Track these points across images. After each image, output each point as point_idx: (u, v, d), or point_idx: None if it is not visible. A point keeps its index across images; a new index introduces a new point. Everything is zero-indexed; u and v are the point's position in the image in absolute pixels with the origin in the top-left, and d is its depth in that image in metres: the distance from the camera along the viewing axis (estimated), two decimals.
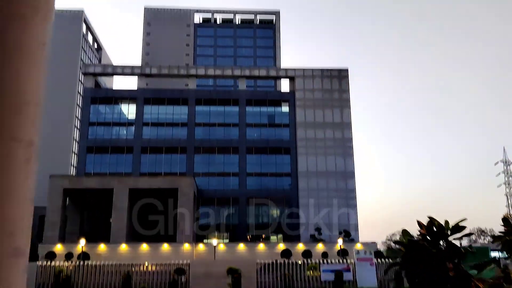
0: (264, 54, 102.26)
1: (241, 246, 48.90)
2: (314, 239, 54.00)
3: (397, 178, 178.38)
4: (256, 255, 44.21)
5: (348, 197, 60.12)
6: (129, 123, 61.38)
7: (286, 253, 44.97)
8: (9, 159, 3.10)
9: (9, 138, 3.13)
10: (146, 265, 32.14)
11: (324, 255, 45.47)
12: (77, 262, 31.76)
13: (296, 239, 54.82)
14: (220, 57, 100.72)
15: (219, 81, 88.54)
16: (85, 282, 30.17)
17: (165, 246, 45.07)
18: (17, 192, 3.16)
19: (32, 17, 3.39)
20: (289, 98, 63.32)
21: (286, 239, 55.65)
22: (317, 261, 33.46)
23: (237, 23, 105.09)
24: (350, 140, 62.15)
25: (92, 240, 46.67)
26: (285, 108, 63.56)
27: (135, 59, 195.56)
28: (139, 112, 61.12)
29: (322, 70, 64.65)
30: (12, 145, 3.14)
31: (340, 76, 64.50)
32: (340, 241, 43.24)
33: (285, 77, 65.12)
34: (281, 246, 48.48)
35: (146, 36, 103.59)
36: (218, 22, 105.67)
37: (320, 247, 49.14)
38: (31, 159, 3.35)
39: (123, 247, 44.71)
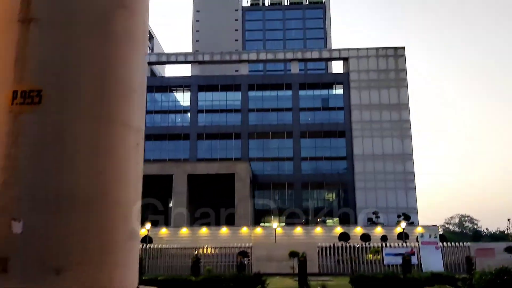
0: (314, 36, 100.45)
1: (298, 230, 48.94)
2: (372, 223, 53.21)
3: (454, 160, 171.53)
4: (313, 239, 44.19)
5: (407, 180, 58.55)
6: (184, 110, 62.71)
7: (344, 237, 44.61)
8: (122, 145, 3.15)
9: (121, 125, 3.18)
10: (208, 248, 32.88)
11: (383, 238, 44.69)
12: (143, 245, 33.01)
13: (353, 222, 54.27)
14: (269, 40, 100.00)
15: (269, 65, 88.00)
16: (153, 264, 31.35)
17: (224, 230, 45.90)
18: (130, 176, 3.21)
19: (135, 6, 3.41)
20: (343, 79, 62.05)
21: (342, 223, 55.19)
22: (380, 245, 32.93)
23: (285, 4, 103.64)
24: (408, 121, 60.21)
25: (153, 224, 48.36)
26: (339, 90, 62.42)
27: (185, 47, 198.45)
28: (193, 99, 62.20)
29: (377, 49, 62.74)
30: (124, 131, 3.19)
31: (396, 55, 62.32)
32: (403, 224, 42.29)
33: (339, 58, 63.82)
34: (338, 230, 48.12)
35: (195, 23, 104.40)
36: (266, 4, 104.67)
37: (378, 230, 48.34)
38: (140, 144, 3.40)
39: (184, 230, 46.00)
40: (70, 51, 2.99)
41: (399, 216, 52.24)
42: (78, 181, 2.84)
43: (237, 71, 71.70)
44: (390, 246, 33.05)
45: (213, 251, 32.88)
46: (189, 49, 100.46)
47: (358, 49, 62.92)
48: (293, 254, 26.48)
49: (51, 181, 2.78)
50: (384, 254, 31.65)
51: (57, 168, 2.80)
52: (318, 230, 48.98)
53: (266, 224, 53.70)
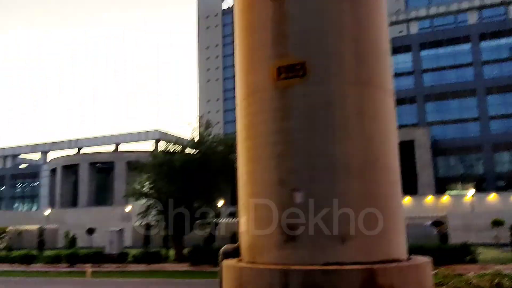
0: None
1: (492, 197, 44.38)
2: None
3: None
4: None
5: None
6: None
7: None
8: (384, 109, 2.99)
9: (380, 88, 3.01)
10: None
11: None
12: None
13: None
14: None
15: (436, 20, 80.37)
16: None
17: (407, 199, 44.24)
18: (393, 141, 3.06)
19: None
20: None
21: None
22: None
23: None
24: None
25: None
26: None
27: None
28: None
29: None
30: (383, 95, 3.03)
31: None
32: None
33: None
34: None
35: None
36: None
37: None
38: (394, 107, 3.23)
39: None
40: (325, 21, 2.97)
41: None
42: (350, 149, 2.82)
43: (401, 31, 67.27)
44: None
45: None
46: None
47: None
48: (496, 223, 24.07)
49: (326, 151, 2.80)
50: None
51: (329, 137, 2.81)
52: None
53: (452, 192, 50.04)
